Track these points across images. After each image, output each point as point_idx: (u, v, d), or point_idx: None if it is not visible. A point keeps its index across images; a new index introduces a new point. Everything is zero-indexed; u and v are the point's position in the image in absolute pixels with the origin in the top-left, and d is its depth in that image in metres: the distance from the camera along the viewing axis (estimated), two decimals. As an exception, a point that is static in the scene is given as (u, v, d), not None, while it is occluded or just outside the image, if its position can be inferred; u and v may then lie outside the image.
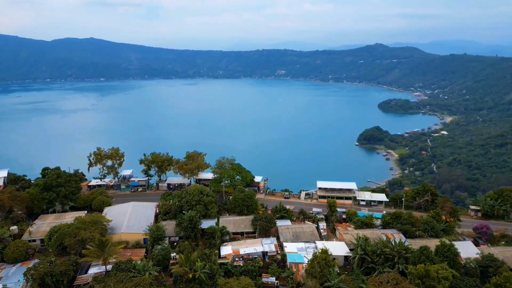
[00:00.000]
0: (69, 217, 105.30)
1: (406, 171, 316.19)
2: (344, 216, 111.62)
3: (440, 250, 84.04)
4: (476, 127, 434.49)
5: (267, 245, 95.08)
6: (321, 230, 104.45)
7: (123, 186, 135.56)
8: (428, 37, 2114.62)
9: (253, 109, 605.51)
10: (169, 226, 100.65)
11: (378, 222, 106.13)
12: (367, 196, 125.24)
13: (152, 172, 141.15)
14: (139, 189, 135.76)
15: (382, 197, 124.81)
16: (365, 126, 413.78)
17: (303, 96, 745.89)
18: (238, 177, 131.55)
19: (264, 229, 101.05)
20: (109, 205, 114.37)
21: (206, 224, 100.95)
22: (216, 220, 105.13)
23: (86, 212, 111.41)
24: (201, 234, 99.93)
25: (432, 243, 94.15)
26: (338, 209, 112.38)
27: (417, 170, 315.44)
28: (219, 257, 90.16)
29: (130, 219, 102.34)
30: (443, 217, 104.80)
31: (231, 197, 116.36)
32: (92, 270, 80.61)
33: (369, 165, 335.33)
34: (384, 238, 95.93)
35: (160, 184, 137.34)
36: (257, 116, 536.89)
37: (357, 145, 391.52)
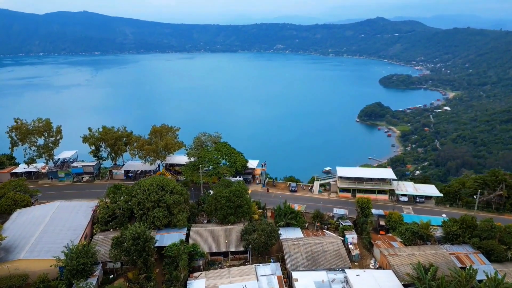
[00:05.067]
0: (-46, 227, 66.61)
1: (409, 148, 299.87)
2: (382, 222, 73.61)
3: None
4: (480, 102, 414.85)
5: (265, 277, 57.36)
6: (350, 246, 66.79)
7: (61, 174, 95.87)
8: (430, 11, 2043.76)
9: (248, 83, 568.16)
10: (109, 243, 62.42)
11: (438, 232, 68.80)
12: (410, 188, 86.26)
13: (104, 154, 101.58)
14: (84, 178, 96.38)
15: (431, 189, 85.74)
16: (366, 102, 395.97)
17: (302, 71, 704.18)
18: (224, 161, 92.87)
19: (262, 247, 63.19)
20: (26, 205, 75.52)
21: (168, 238, 63.16)
22: (185, 231, 66.98)
23: (-15, 217, 72.44)
24: (160, 257, 62.06)
25: (539, 274, 57.56)
26: (373, 211, 74.30)
27: (420, 147, 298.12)
28: (184, 303, 52.58)
29: (45, 232, 63.52)
30: (541, 226, 67.37)
31: (211, 191, 77.98)
32: None
33: (370, 141, 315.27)
34: (458, 263, 58.82)
35: (114, 171, 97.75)
36: (252, 92, 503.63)
37: (358, 121, 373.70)
